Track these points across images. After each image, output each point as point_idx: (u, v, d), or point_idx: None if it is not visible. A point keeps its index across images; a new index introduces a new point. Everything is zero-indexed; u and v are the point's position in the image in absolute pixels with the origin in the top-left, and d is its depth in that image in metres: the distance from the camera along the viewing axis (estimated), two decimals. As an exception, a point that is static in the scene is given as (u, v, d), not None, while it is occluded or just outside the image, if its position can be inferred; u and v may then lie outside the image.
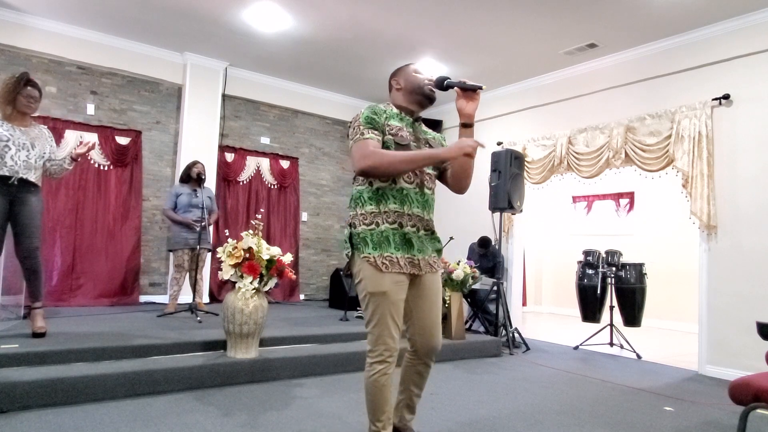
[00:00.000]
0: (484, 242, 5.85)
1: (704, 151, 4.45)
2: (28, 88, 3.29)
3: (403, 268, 1.94)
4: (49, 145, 3.43)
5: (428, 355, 2.10)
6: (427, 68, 5.84)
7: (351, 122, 1.99)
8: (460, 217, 6.54)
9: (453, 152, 1.86)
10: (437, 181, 2.16)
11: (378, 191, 1.96)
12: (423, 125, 2.15)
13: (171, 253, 5.06)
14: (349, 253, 1.99)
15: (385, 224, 1.94)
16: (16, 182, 3.20)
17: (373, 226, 1.94)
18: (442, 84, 2.03)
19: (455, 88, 1.98)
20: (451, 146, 1.88)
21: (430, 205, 2.05)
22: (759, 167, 4.21)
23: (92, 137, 5.46)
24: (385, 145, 1.93)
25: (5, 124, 3.23)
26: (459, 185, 2.08)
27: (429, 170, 2.06)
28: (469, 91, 1.96)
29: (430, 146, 2.07)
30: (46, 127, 3.53)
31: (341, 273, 6.29)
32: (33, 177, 3.30)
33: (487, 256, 5.84)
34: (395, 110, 2.06)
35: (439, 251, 2.12)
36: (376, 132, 1.91)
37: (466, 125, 1.98)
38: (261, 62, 6.20)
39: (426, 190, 2.03)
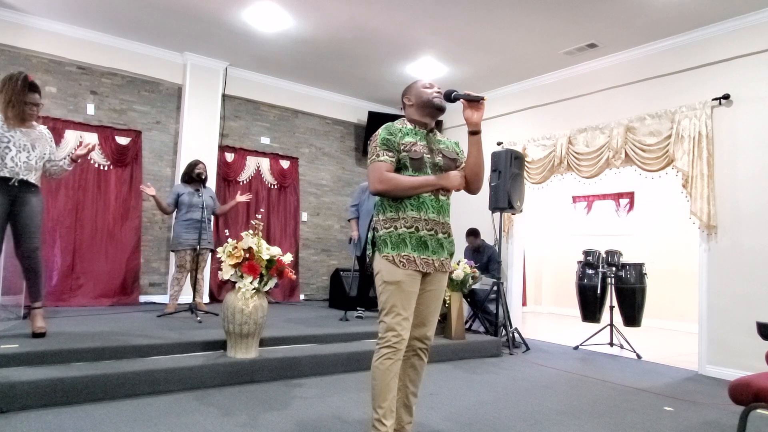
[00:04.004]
0: (472, 232, 5.87)
1: (704, 151, 4.45)
2: (30, 94, 3.23)
3: (419, 266, 2.12)
4: (49, 146, 3.41)
5: (420, 341, 2.24)
6: (428, 72, 5.93)
7: (370, 140, 2.19)
8: (460, 217, 6.49)
9: (443, 183, 2.15)
10: None
11: (397, 200, 2.15)
12: (438, 135, 2.31)
13: (173, 253, 5.06)
14: (371, 253, 2.19)
15: (402, 228, 2.13)
16: (16, 183, 3.20)
17: (391, 229, 2.14)
18: (450, 96, 2.22)
19: (461, 100, 2.17)
20: (447, 180, 2.15)
21: (445, 209, 2.23)
22: (759, 167, 4.22)
23: (92, 137, 5.47)
24: (401, 162, 2.13)
25: (5, 126, 3.21)
26: (470, 188, 2.28)
27: None
28: (474, 102, 2.14)
29: (443, 155, 2.24)
30: (46, 127, 3.50)
31: (364, 271, 6.25)
32: (33, 178, 3.29)
33: (479, 251, 5.85)
34: (409, 126, 2.23)
35: (451, 254, 2.27)
36: (390, 154, 2.12)
37: (474, 132, 2.17)
38: (261, 62, 6.20)
39: (441, 197, 2.20)
